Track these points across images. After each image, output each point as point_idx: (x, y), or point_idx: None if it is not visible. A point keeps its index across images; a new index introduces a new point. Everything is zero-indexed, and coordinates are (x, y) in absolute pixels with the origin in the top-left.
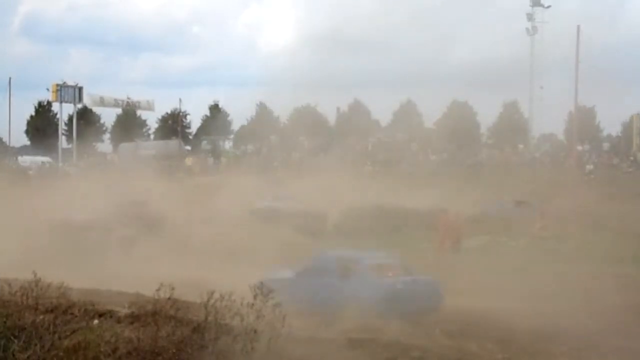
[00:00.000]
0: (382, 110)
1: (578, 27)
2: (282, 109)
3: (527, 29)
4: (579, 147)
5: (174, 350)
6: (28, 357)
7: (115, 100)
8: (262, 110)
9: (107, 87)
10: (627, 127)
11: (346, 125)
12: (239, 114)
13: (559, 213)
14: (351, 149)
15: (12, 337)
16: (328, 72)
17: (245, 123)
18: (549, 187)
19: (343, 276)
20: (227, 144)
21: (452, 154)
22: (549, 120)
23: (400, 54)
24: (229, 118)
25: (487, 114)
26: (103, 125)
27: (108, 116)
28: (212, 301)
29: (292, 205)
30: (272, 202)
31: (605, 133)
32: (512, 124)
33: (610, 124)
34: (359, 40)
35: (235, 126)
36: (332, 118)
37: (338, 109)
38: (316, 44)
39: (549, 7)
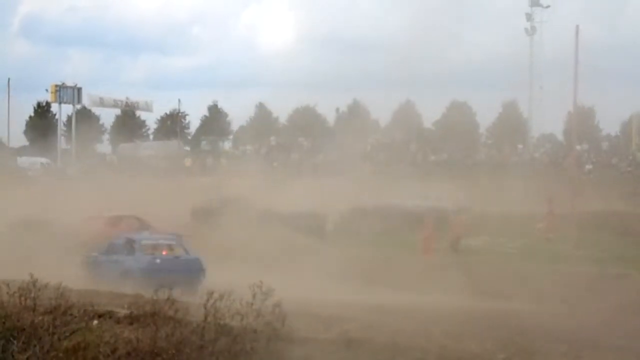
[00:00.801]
0: (381, 110)
1: (577, 27)
2: (281, 110)
3: (526, 29)
4: (578, 147)
5: (173, 351)
6: (27, 358)
7: (114, 100)
8: (262, 111)
9: (106, 88)
10: (626, 126)
11: (345, 126)
12: (238, 114)
13: (562, 213)
14: (350, 149)
15: (11, 338)
16: (327, 72)
17: (245, 124)
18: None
19: (127, 253)
20: (227, 145)
21: (452, 154)
22: (548, 120)
23: (400, 54)
24: (228, 118)
25: (487, 114)
26: (102, 126)
27: (107, 117)
28: (211, 301)
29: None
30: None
31: (604, 133)
32: (511, 124)
33: (609, 124)
34: (358, 41)
35: (235, 126)
36: (331, 118)
37: (337, 109)
38: (315, 45)
39: (548, 7)
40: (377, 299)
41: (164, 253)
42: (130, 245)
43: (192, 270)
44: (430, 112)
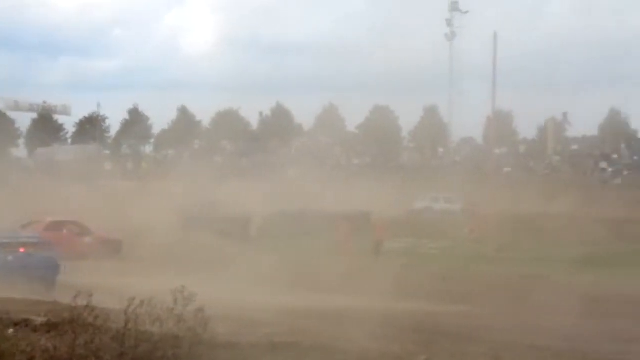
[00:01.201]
0: (305, 114)
1: (495, 32)
2: (204, 113)
3: (446, 34)
4: (497, 151)
5: (93, 359)
6: None
7: (30, 104)
8: (184, 114)
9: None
10: (543, 131)
11: (269, 129)
12: (160, 118)
13: (485, 215)
14: (274, 153)
15: None
16: (251, 76)
17: (167, 127)
18: (472, 190)
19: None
20: (148, 149)
21: (375, 158)
22: (468, 124)
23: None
24: (149, 122)
25: (409, 118)
26: (18, 130)
27: (23, 121)
28: (132, 308)
29: (216, 210)
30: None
31: (521, 137)
32: (433, 128)
33: (527, 128)
34: (282, 44)
35: (156, 130)
36: (255, 122)
37: (261, 113)
38: (239, 48)
39: (467, 12)
40: (301, 303)
41: (20, 250)
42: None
43: (46, 267)
44: (354, 116)
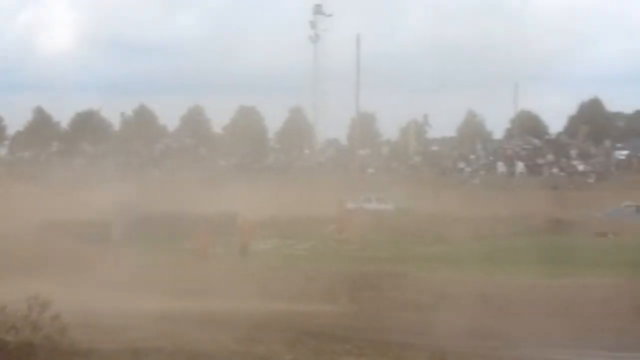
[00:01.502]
0: (169, 115)
1: (358, 35)
2: (62, 115)
3: (310, 36)
4: (361, 152)
5: None
6: None
7: None
8: (40, 115)
9: None
10: (404, 132)
11: (132, 131)
12: (14, 119)
13: (350, 215)
14: (137, 154)
15: None
16: (112, 76)
17: (22, 129)
18: (337, 190)
19: None
20: (2, 151)
21: (241, 159)
22: (332, 125)
23: (190, 59)
24: (3, 123)
25: (275, 119)
26: None
27: None
28: None
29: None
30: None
31: (384, 138)
32: (298, 129)
33: (390, 130)
34: (144, 44)
35: (11, 132)
36: (116, 123)
37: (122, 114)
38: (98, 47)
39: (330, 15)
40: (165, 307)
41: None
42: None
43: None
44: (220, 117)
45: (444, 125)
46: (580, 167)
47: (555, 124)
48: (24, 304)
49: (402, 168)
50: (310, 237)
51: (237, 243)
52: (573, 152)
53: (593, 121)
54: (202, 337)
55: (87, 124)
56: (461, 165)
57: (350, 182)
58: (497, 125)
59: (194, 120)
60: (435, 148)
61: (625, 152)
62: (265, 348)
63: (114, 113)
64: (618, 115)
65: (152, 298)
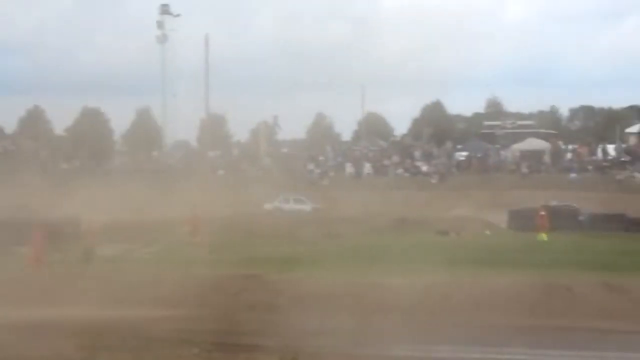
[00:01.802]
0: (7, 117)
1: (206, 35)
2: None
3: (157, 36)
4: (211, 153)
5: None
6: None
7: None
8: None
9: None
10: (255, 134)
11: None
12: None
13: (202, 218)
14: None
15: None
16: None
17: None
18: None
19: None
20: None
21: (84, 162)
22: (182, 127)
23: (31, 59)
24: None
25: (121, 121)
26: None
27: None
28: None
29: None
30: None
31: (235, 139)
32: (146, 131)
33: (240, 131)
34: None
35: None
36: None
37: None
38: None
39: (178, 15)
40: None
41: None
42: None
43: None
44: (62, 119)
45: (294, 127)
46: (424, 168)
47: (401, 126)
48: None
49: (252, 169)
50: (159, 241)
51: (80, 248)
52: (417, 154)
53: (435, 123)
54: (41, 346)
55: None
56: (310, 166)
57: (200, 184)
58: (346, 127)
59: (34, 122)
60: (285, 149)
61: (465, 153)
62: (109, 356)
63: None
64: (458, 118)
65: None
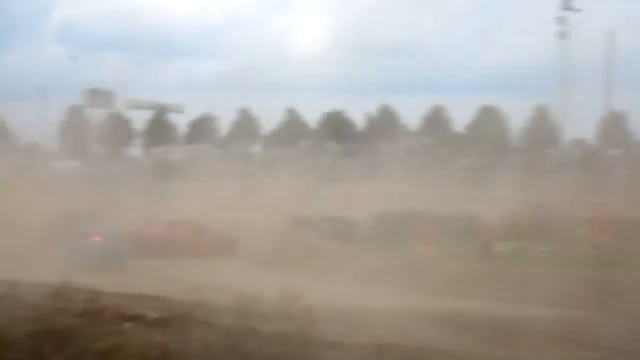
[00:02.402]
0: (411, 115)
1: (610, 31)
2: (310, 114)
3: (557, 32)
4: (612, 152)
5: (204, 354)
6: None
7: (146, 103)
8: (291, 115)
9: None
10: None
11: (375, 130)
12: (268, 118)
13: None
14: (379, 153)
15: (44, 340)
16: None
17: (274, 128)
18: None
19: (82, 239)
20: (256, 148)
21: (483, 158)
22: (580, 124)
23: (430, 59)
24: (257, 122)
25: (518, 119)
26: (134, 129)
27: (139, 121)
28: (241, 304)
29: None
30: None
31: (638, 138)
32: (543, 128)
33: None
34: (389, 45)
35: (264, 131)
36: (360, 123)
37: (367, 114)
38: (346, 49)
39: (579, 10)
40: (406, 304)
41: (96, 239)
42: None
43: (115, 256)
44: (461, 117)
45: None
46: None
47: None
48: (276, 295)
49: None
50: (556, 240)
51: (477, 244)
52: None
53: None
54: (444, 336)
55: (333, 124)
56: None
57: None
58: None
59: (435, 120)
60: None
61: None
62: (509, 352)
63: (358, 113)
64: None
65: (394, 295)
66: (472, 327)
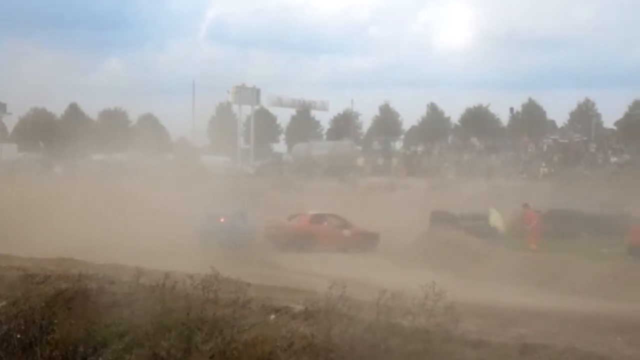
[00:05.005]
0: (558, 111)
1: None
2: (453, 110)
3: None
4: None
5: (347, 348)
6: (210, 349)
7: (292, 100)
8: (433, 111)
9: (284, 88)
10: None
11: (519, 126)
12: (409, 114)
13: None
14: (525, 150)
15: (195, 329)
16: (501, 71)
17: (416, 124)
18: None
19: (210, 221)
20: (398, 145)
21: (634, 155)
22: None
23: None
24: (399, 118)
25: None
26: (279, 126)
27: (284, 117)
28: (383, 300)
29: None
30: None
31: None
32: None
33: None
34: (536, 39)
35: (406, 127)
36: (504, 119)
37: (511, 109)
38: (489, 44)
39: None
40: (551, 304)
41: (221, 220)
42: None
43: (239, 236)
44: (612, 112)
45: None
46: None
47: None
48: (417, 291)
49: None
50: None
51: (625, 244)
52: None
53: None
54: (593, 338)
55: (476, 119)
56: None
57: None
58: None
59: (584, 115)
60: None
61: None
62: None
63: (502, 108)
64: None
65: (538, 294)
66: (622, 330)
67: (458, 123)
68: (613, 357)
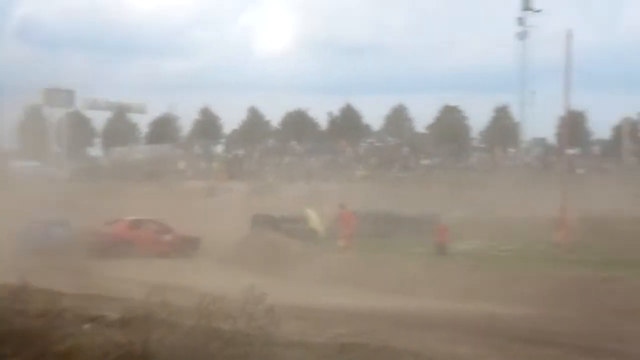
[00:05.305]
0: (374, 115)
1: (569, 30)
2: (273, 114)
3: (517, 33)
4: (570, 151)
5: (166, 354)
6: None
7: (107, 103)
8: (253, 115)
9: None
10: (617, 131)
11: (338, 130)
12: (229, 118)
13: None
14: (343, 153)
15: (3, 343)
16: (320, 76)
17: (237, 128)
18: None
19: (26, 228)
20: (219, 148)
21: (444, 158)
22: (540, 124)
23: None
24: (220, 122)
25: (479, 118)
26: (94, 129)
27: (99, 120)
28: (204, 304)
29: (283, 210)
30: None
31: (595, 137)
32: (504, 128)
33: (601, 129)
34: (354, 45)
35: (227, 130)
36: (324, 122)
37: (330, 113)
38: (312, 48)
39: (539, 11)
40: (367, 304)
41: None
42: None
43: (52, 241)
44: (423, 116)
45: None
46: None
47: None
48: (238, 295)
49: (614, 169)
50: (518, 239)
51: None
52: None
53: None
54: (405, 336)
55: (296, 123)
56: None
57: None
58: None
59: (398, 120)
60: None
61: None
62: (472, 351)
63: (322, 112)
64: None
65: (355, 294)
66: (432, 327)
67: (278, 127)
68: (425, 353)
